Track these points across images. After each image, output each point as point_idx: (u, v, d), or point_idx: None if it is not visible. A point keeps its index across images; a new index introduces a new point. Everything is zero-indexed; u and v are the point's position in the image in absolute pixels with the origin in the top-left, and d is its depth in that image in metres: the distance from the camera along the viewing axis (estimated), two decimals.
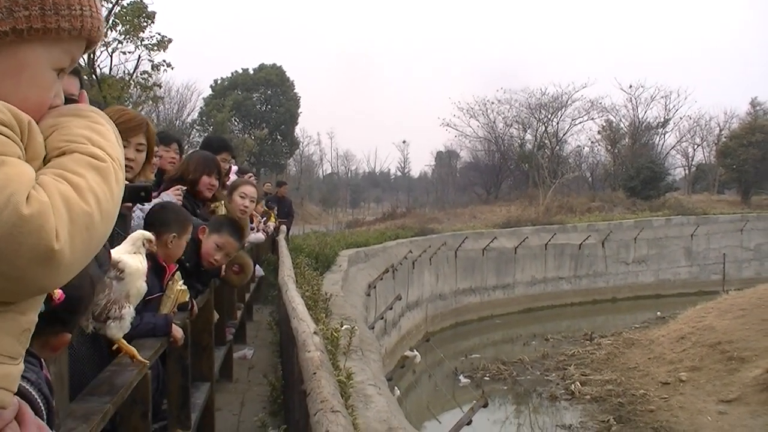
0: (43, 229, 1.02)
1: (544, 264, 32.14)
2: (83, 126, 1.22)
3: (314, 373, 3.26)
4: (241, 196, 6.92)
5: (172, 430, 4.77)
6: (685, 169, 64.44)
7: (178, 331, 4.14)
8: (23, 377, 1.29)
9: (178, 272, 4.56)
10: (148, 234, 3.61)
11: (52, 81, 1.24)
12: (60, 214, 1.05)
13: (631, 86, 54.50)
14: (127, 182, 3.95)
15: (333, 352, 6.02)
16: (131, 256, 3.36)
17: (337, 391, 2.96)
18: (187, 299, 4.72)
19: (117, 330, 3.12)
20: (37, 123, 1.19)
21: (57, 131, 1.20)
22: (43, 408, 1.31)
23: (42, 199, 1.04)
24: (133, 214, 4.75)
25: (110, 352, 3.23)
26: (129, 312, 3.18)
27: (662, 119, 56.25)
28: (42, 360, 1.52)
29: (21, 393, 1.24)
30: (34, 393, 1.30)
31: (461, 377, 19.40)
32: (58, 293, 1.64)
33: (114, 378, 3.09)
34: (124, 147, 1.40)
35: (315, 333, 4.50)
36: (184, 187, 5.71)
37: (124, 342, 3.18)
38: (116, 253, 3.32)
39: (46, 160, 1.15)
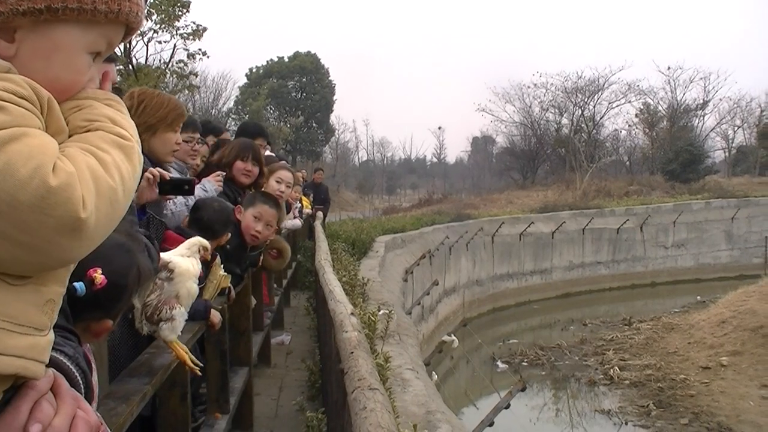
0: (70, 201, 1.01)
1: (582, 249, 31.90)
2: (106, 107, 1.22)
3: (351, 353, 3.25)
4: (277, 181, 6.79)
5: (211, 414, 4.81)
6: (725, 152, 63.48)
7: (216, 316, 4.16)
8: (60, 351, 1.30)
9: (219, 258, 4.59)
10: (205, 242, 3.60)
11: (86, 65, 1.23)
12: (87, 185, 1.05)
13: (669, 68, 53.78)
14: (172, 177, 3.99)
15: (370, 336, 6.02)
16: (183, 258, 3.36)
17: (375, 370, 2.95)
18: (228, 284, 4.74)
19: (169, 332, 3.10)
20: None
21: (80, 111, 1.19)
22: (80, 381, 1.32)
23: (69, 170, 1.03)
24: (174, 205, 4.77)
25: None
26: (180, 313, 3.16)
27: (701, 101, 55.41)
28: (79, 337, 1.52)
29: (57, 365, 1.24)
30: (71, 366, 1.30)
31: (499, 363, 19.34)
32: (99, 279, 1.65)
33: (153, 360, 3.12)
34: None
35: (352, 314, 4.50)
36: (224, 173, 5.73)
37: (177, 345, 3.16)
38: (169, 255, 3.33)
39: (69, 138, 1.15)
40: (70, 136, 1.15)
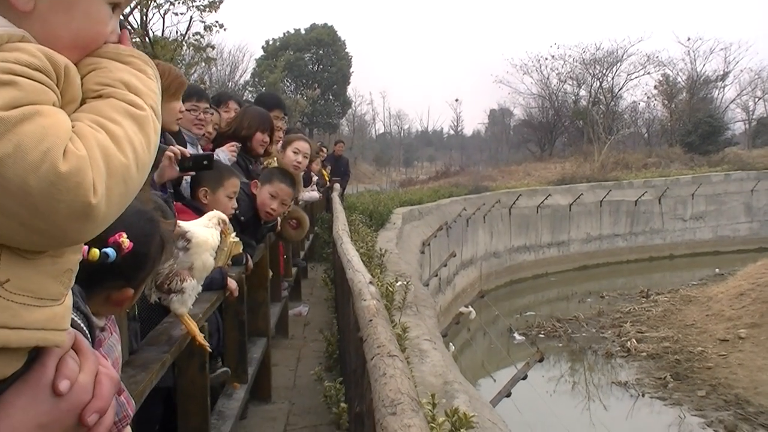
0: (80, 186, 0.99)
1: (600, 221, 31.78)
2: (123, 70, 1.18)
3: (370, 320, 3.25)
4: (294, 152, 6.78)
5: (229, 384, 4.84)
6: (745, 124, 62.74)
7: (232, 283, 4.17)
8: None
9: (230, 225, 4.58)
10: (224, 216, 3.60)
11: (107, 15, 1.20)
12: (98, 168, 1.02)
13: (689, 39, 53.13)
14: (192, 154, 4.02)
15: (388, 307, 6.01)
16: (202, 228, 3.33)
17: (394, 338, 2.94)
18: (240, 251, 4.75)
19: (179, 305, 3.08)
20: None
21: (95, 72, 1.16)
22: (85, 329, 1.32)
23: (80, 153, 1.00)
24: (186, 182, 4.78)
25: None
26: (191, 286, 3.12)
27: (721, 72, 54.73)
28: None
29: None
30: (77, 319, 1.30)
31: (516, 335, 19.34)
32: (126, 243, 1.64)
33: (172, 329, 3.13)
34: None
35: (370, 283, 4.49)
36: (239, 144, 5.73)
37: (188, 320, 3.14)
38: (188, 224, 3.31)
39: (81, 102, 1.12)
40: (83, 101, 1.12)
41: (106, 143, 1.05)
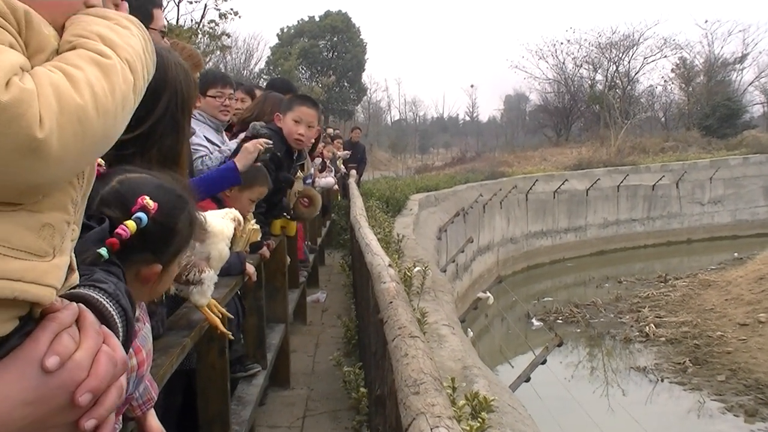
0: (23, 117, 0.94)
1: (617, 206, 31.63)
2: (101, 24, 1.15)
3: (390, 302, 3.23)
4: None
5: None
6: (764, 106, 62.10)
7: (251, 268, 4.18)
8: (97, 288, 1.27)
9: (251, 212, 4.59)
10: (240, 218, 3.60)
11: None
12: (47, 103, 0.97)
13: (706, 21, 52.82)
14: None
15: (406, 292, 6.01)
16: (218, 219, 3.33)
17: (414, 319, 2.93)
18: (258, 238, 4.75)
19: (199, 296, 3.07)
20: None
21: (74, 25, 1.13)
22: (117, 321, 1.28)
23: (25, 86, 0.96)
24: (210, 161, 4.83)
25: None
26: (209, 277, 3.11)
27: (740, 54, 54.23)
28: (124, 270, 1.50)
29: (87, 301, 1.21)
30: (106, 304, 1.27)
31: (534, 320, 19.32)
32: (151, 204, 1.62)
33: (191, 314, 3.13)
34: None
35: (389, 266, 4.48)
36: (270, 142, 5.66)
37: (209, 311, 3.16)
38: (204, 214, 3.31)
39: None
40: (59, 54, 1.09)
41: (60, 82, 1.01)
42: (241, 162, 4.26)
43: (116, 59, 1.11)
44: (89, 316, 1.16)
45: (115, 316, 1.27)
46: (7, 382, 1.02)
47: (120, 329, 1.27)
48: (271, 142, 4.58)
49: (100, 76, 1.07)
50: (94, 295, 1.25)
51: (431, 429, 1.73)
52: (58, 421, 1.07)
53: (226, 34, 25.05)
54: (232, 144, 5.26)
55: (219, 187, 4.26)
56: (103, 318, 1.22)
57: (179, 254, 1.87)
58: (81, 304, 1.17)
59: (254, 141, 4.52)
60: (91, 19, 1.15)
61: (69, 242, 1.14)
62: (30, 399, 1.03)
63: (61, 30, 1.13)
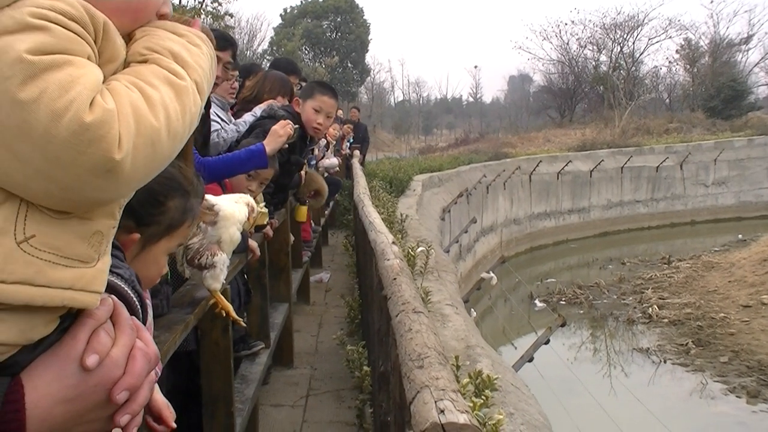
0: (104, 139, 0.95)
1: (620, 187, 31.58)
2: (174, 41, 1.15)
3: (394, 279, 3.23)
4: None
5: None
6: None
7: (253, 243, 4.18)
8: (116, 274, 1.27)
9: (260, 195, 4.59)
10: (254, 204, 3.59)
11: None
12: (126, 124, 0.99)
13: (712, 1, 52.51)
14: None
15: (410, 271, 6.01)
16: (229, 203, 3.32)
17: (418, 295, 2.92)
18: (265, 222, 4.75)
19: (212, 280, 3.08)
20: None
21: (146, 37, 1.14)
22: (138, 306, 1.29)
23: (107, 107, 0.97)
24: (226, 133, 4.88)
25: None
26: (221, 260, 3.11)
27: (745, 35, 53.99)
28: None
29: (116, 291, 1.22)
30: (128, 290, 1.27)
31: (537, 301, 19.33)
32: None
33: (195, 291, 3.13)
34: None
35: (393, 243, 4.47)
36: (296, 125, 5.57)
37: (221, 296, 3.17)
38: (215, 198, 3.30)
39: (126, 65, 1.10)
40: (128, 65, 1.10)
41: (139, 103, 1.02)
42: (270, 145, 4.26)
43: (189, 81, 1.12)
44: (123, 312, 1.17)
45: (137, 302, 1.28)
46: (47, 381, 1.04)
47: (140, 315, 1.29)
48: (297, 126, 4.58)
49: (173, 97, 1.08)
50: (120, 284, 1.26)
51: (435, 402, 1.73)
52: (94, 416, 1.10)
53: (230, 14, 24.94)
54: (248, 117, 5.29)
55: (244, 167, 4.24)
56: (130, 307, 1.23)
57: (167, 236, 1.86)
58: (114, 297, 1.18)
59: (283, 124, 4.49)
60: (164, 35, 1.16)
61: (110, 244, 1.15)
62: (69, 396, 1.06)
63: (127, 38, 1.14)
